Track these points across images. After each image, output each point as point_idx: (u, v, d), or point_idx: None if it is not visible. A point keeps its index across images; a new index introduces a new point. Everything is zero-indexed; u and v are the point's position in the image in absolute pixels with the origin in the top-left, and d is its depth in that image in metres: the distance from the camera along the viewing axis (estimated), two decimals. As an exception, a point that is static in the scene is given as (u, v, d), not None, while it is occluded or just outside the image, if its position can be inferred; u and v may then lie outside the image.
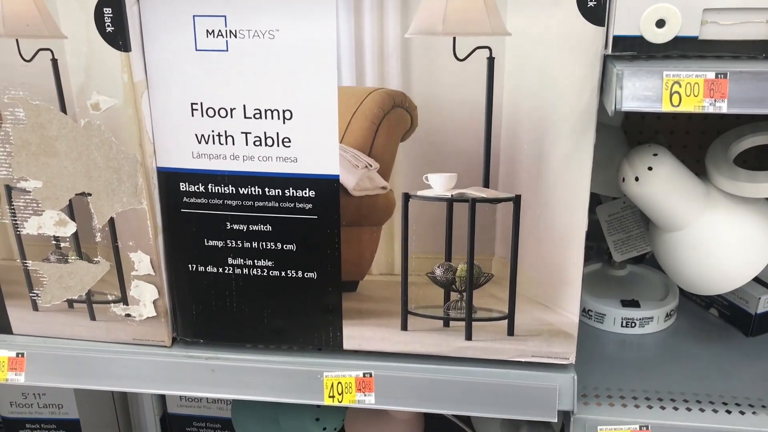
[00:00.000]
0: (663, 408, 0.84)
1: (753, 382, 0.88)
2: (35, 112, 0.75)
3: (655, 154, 0.79)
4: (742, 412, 0.83)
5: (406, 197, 0.77)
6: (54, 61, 0.74)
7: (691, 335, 0.99)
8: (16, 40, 0.73)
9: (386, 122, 0.74)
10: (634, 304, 0.99)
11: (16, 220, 0.81)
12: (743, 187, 0.79)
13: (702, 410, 0.83)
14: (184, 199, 0.79)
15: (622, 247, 1.00)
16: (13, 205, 0.80)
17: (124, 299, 0.83)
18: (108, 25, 0.71)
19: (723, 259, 0.81)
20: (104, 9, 0.71)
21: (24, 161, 0.78)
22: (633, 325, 0.98)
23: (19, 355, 0.85)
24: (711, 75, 0.66)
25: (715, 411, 0.83)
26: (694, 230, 0.81)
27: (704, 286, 0.84)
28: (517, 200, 0.75)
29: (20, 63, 0.74)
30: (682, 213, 0.81)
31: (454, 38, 0.70)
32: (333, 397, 0.83)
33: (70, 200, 0.79)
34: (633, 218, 0.99)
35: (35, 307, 0.86)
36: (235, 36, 0.72)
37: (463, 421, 1.21)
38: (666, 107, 0.67)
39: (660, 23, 0.67)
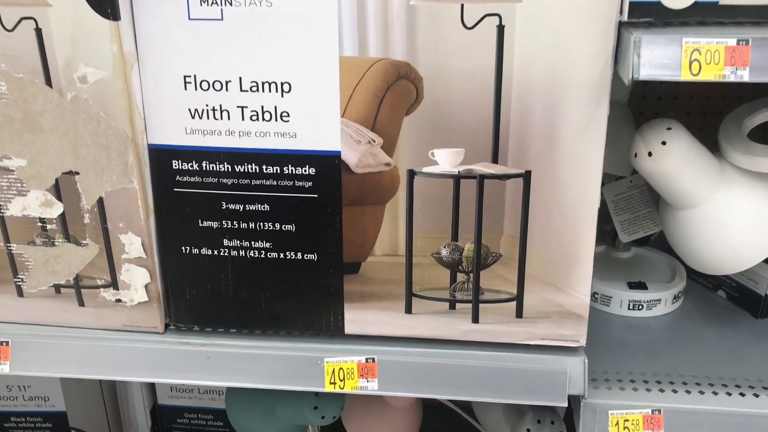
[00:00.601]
0: (675, 392, 0.81)
1: (766, 365, 0.86)
2: (18, 85, 0.71)
3: (669, 128, 0.76)
4: (756, 395, 0.80)
5: (411, 174, 0.73)
6: (38, 31, 0.69)
7: (700, 318, 0.97)
8: (-3, 9, 0.69)
9: (390, 95, 0.71)
10: (641, 286, 0.97)
11: (-2, 202, 0.77)
12: (760, 161, 0.76)
13: (715, 393, 0.81)
14: (177, 177, 0.75)
15: (629, 227, 0.97)
16: (-5, 185, 0.76)
17: (114, 284, 0.79)
18: (95, -8, 0.67)
19: (738, 237, 0.79)
20: (91, -26, 0.66)
21: (7, 138, 0.73)
22: (640, 307, 0.96)
23: (3, 344, 0.81)
24: (732, 42, 0.63)
25: (729, 394, 0.80)
26: (707, 207, 0.79)
27: (718, 266, 0.81)
28: (527, 176, 0.72)
29: (1, 33, 0.70)
30: (695, 189, 0.78)
31: (462, 5, 0.67)
32: (334, 383, 0.79)
33: (56, 179, 0.75)
34: (640, 198, 0.96)
35: (20, 293, 0.81)
36: (231, 3, 0.69)
37: (462, 408, 1.19)
38: (685, 76, 0.64)
39: (679, -13, 0.64)
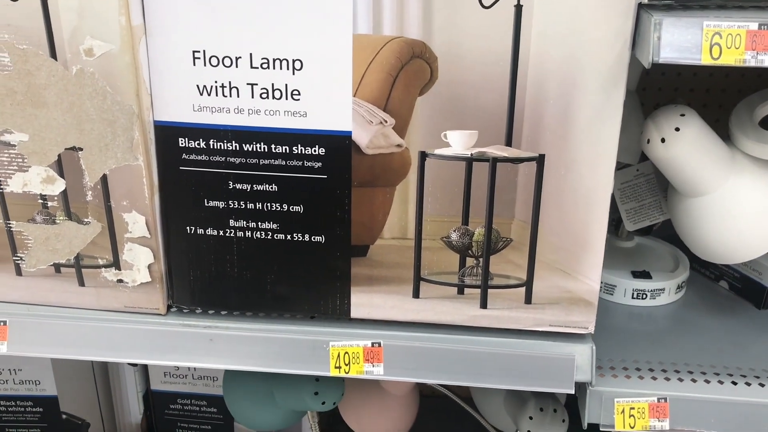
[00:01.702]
0: (680, 380, 0.81)
1: (770, 355, 0.86)
2: (22, 57, 0.69)
3: (683, 115, 0.75)
4: (762, 384, 0.80)
5: (423, 156, 0.72)
6: (44, 1, 0.67)
7: (703, 307, 0.97)
8: (1, -23, 0.67)
9: (404, 74, 0.70)
10: (645, 275, 0.96)
11: (-2, 177, 0.75)
12: (771, 150, 0.75)
13: (720, 382, 0.81)
14: (184, 155, 0.74)
15: (634, 216, 0.97)
16: (-5, 160, 0.74)
17: (116, 263, 0.77)
18: (104, -39, 0.65)
19: (747, 225, 0.78)
20: (100, -57, 0.65)
21: (8, 112, 0.71)
22: (644, 296, 0.95)
23: (1, 324, 0.79)
24: (754, 26, 0.62)
25: (734, 383, 0.80)
26: (717, 195, 0.78)
27: (726, 255, 0.80)
28: (541, 160, 0.71)
29: (5, 2, 0.68)
30: (707, 177, 0.77)
31: (480, -17, 0.66)
32: (339, 368, 0.78)
33: (59, 155, 0.73)
34: (647, 186, 0.96)
35: (19, 272, 0.79)
36: (243, -23, 0.67)
37: (461, 397, 1.18)
38: (706, 59, 0.63)
39: (701, -31, 0.63)
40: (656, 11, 0.64)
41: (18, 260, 0.79)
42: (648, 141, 0.77)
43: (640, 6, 0.66)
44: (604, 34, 0.66)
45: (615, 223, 1.03)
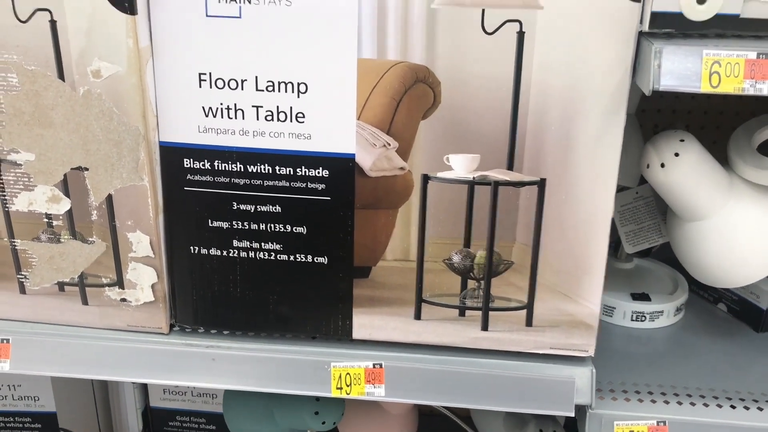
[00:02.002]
0: (680, 404, 0.81)
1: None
2: (30, 78, 0.70)
3: (682, 140, 0.76)
4: (760, 408, 0.81)
5: (425, 179, 0.73)
6: (53, 23, 0.68)
7: (702, 330, 0.97)
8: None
9: (407, 98, 0.71)
10: (644, 297, 0.97)
11: (4, 196, 0.75)
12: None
13: (719, 406, 0.81)
14: (188, 176, 0.74)
15: (633, 238, 0.98)
16: (1, 179, 0.74)
17: (119, 282, 0.78)
18: (113, -15, 0.66)
19: (745, 250, 0.79)
20: (110, -33, 0.66)
21: (16, 131, 0.72)
22: (643, 318, 0.96)
23: (4, 341, 0.79)
24: (752, 55, 0.64)
25: (733, 407, 0.81)
26: (716, 220, 0.79)
27: (725, 279, 0.81)
28: (542, 184, 0.72)
29: (15, 24, 0.69)
30: (705, 202, 0.78)
31: (483, 10, 0.67)
32: (341, 388, 0.78)
33: (64, 175, 0.74)
34: (646, 209, 0.96)
35: (22, 290, 0.80)
36: (249, 1, 0.68)
37: (460, 417, 1.18)
38: (705, 87, 0.64)
39: (701, -1, 0.64)
40: (657, 39, 0.65)
41: (22, 278, 0.79)
42: (648, 166, 0.78)
43: (641, 34, 0.67)
44: (605, 61, 0.67)
45: (614, 245, 1.04)
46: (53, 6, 0.68)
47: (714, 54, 0.64)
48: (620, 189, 0.99)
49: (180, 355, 0.79)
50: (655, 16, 0.65)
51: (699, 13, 0.65)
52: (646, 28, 0.66)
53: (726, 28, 0.66)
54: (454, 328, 0.78)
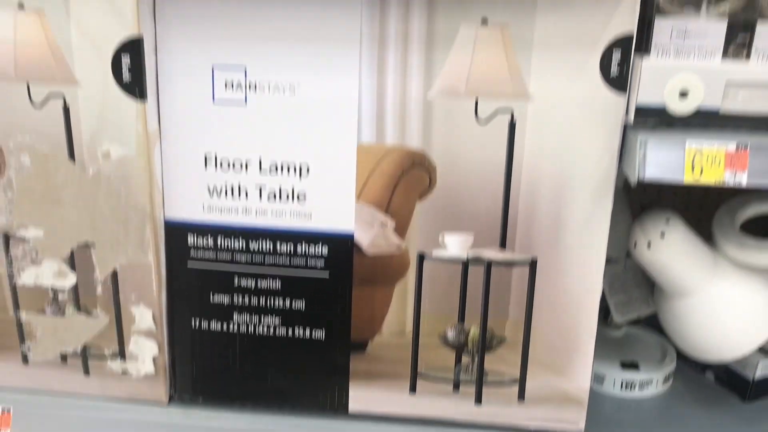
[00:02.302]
0: (669, 475, 0.83)
1: (756, 450, 0.88)
2: (42, 159, 0.73)
3: (668, 220, 0.79)
4: (749, 481, 0.82)
5: (421, 258, 0.76)
6: (66, 110, 0.71)
7: (690, 399, 0.99)
8: (27, 84, 0.71)
9: (404, 181, 0.74)
10: (633, 365, 0.99)
11: (11, 270, 0.77)
12: (751, 255, 0.79)
13: (708, 478, 0.82)
14: (192, 253, 0.77)
15: (623, 308, 1.00)
16: (10, 254, 0.77)
17: (121, 354, 0.80)
18: (126, 74, 0.69)
19: (730, 327, 0.81)
20: (123, 58, 0.69)
21: (26, 209, 0.75)
22: (633, 387, 0.98)
23: (5, 411, 0.80)
24: (732, 146, 0.67)
25: (721, 479, 0.82)
26: (702, 298, 0.82)
27: (711, 354, 0.83)
28: (533, 264, 0.75)
29: (30, 108, 0.72)
30: (691, 280, 0.81)
31: (477, 100, 0.70)
32: (336, 461, 0.80)
33: (71, 250, 0.76)
34: (635, 280, 0.99)
35: (25, 360, 0.81)
36: (255, 89, 0.71)
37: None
38: (688, 178, 0.67)
39: (683, 94, 0.68)
40: (643, 130, 0.69)
41: (25, 349, 0.81)
42: (635, 245, 0.81)
43: (627, 124, 0.70)
44: (593, 148, 0.71)
45: (604, 313, 1.06)
46: (66, 90, 0.71)
47: (696, 145, 0.67)
48: (609, 259, 1.02)
49: (179, 428, 0.80)
50: (639, 109, 0.69)
51: (681, 107, 0.68)
52: (631, 121, 0.69)
53: (707, 120, 0.69)
54: (449, 402, 0.79)
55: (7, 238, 0.76)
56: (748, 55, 0.69)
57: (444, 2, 0.69)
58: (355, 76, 0.70)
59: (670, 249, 0.79)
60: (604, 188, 0.72)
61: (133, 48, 0.68)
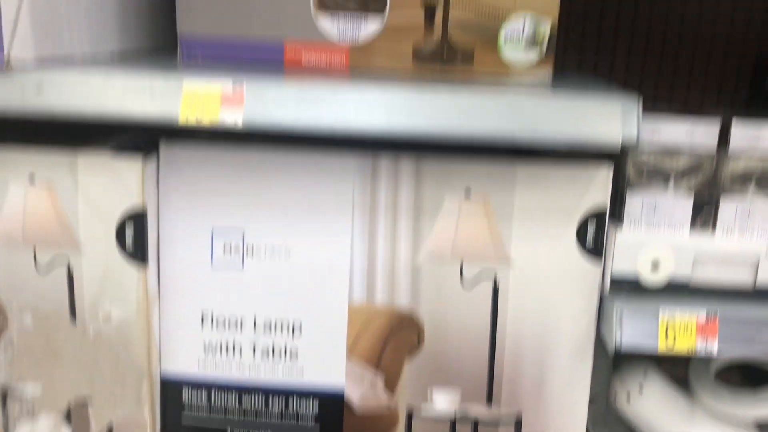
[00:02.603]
0: None
1: None
2: (43, 320, 0.75)
3: (645, 373, 0.83)
4: None
5: (410, 418, 0.78)
6: (69, 274, 0.74)
7: None
8: (33, 249, 0.74)
9: (394, 341, 0.77)
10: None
11: (6, 425, 0.79)
12: (726, 406, 0.82)
13: None
14: (185, 411, 0.79)
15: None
16: (6, 410, 0.78)
17: (112, 508, 0.80)
18: (129, 242, 0.73)
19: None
20: (127, 227, 0.73)
21: (25, 366, 0.77)
22: None
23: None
24: (702, 315, 0.71)
25: None
26: (680, 446, 0.84)
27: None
28: (518, 423, 0.77)
29: (34, 271, 0.75)
30: (669, 430, 0.84)
31: (462, 265, 0.74)
32: None
33: (68, 406, 0.78)
34: (618, 424, 1.01)
35: None
36: (252, 253, 0.75)
37: None
38: (662, 347, 0.71)
39: (654, 266, 0.72)
40: (619, 298, 0.73)
41: (16, 502, 0.81)
42: (614, 397, 0.84)
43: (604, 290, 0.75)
44: (572, 311, 0.75)
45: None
46: (72, 255, 0.74)
47: (669, 314, 0.71)
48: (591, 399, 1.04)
49: None
50: (614, 280, 0.73)
51: (653, 279, 0.73)
52: (606, 292, 0.74)
53: (678, 290, 0.74)
54: None
55: (4, 394, 0.78)
56: (714, 226, 0.74)
57: (430, 175, 0.74)
58: (348, 241, 0.75)
59: (648, 401, 0.82)
60: (584, 348, 0.75)
61: (137, 218, 0.72)
